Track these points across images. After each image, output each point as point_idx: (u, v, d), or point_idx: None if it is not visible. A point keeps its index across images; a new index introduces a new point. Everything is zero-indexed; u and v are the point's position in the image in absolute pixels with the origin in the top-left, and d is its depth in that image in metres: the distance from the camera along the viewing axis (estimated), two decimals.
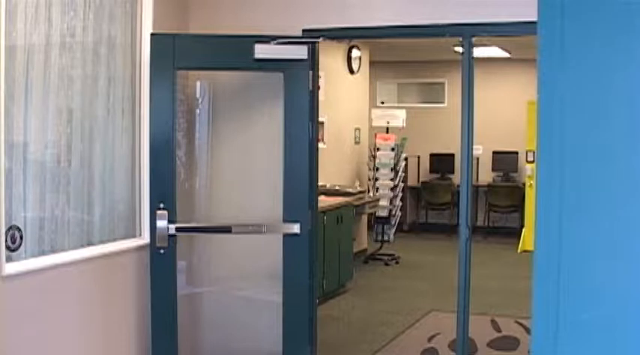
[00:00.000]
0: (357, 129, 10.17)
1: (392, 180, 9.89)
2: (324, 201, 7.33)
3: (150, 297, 4.50)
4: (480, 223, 11.62)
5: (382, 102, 12.43)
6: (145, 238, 4.56)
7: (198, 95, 5.10)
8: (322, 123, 8.16)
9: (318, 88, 4.92)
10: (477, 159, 11.29)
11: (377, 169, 9.88)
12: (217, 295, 5.14)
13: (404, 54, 11.36)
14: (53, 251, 3.93)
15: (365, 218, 9.85)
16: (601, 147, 2.22)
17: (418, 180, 12.41)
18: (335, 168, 9.33)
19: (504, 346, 6.10)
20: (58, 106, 4.01)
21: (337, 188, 8.72)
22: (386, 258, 9.70)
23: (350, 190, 8.89)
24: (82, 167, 4.19)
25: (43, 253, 3.86)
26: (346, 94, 9.75)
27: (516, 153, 11.66)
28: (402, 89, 12.95)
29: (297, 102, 4.61)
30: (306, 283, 4.67)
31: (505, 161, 11.93)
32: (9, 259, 3.59)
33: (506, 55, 10.67)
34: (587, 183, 2.23)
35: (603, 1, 2.22)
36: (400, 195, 10.11)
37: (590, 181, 2.23)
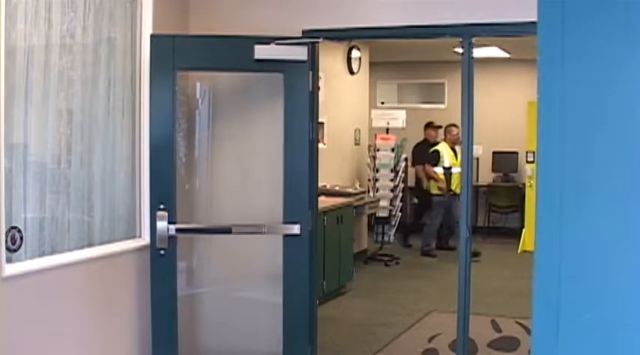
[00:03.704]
0: (357, 129, 10.17)
1: (392, 180, 9.89)
2: (324, 202, 7.33)
3: (150, 298, 4.50)
4: (480, 223, 11.62)
5: (382, 103, 12.43)
6: (145, 239, 4.56)
7: (198, 96, 5.10)
8: (322, 123, 8.16)
9: (318, 88, 4.92)
10: (477, 159, 11.30)
11: (377, 170, 9.88)
12: (217, 296, 5.13)
13: (404, 54, 11.36)
14: (53, 252, 3.93)
15: (365, 218, 9.85)
16: (601, 148, 2.22)
17: None
18: (335, 168, 9.33)
19: (505, 346, 6.10)
20: (58, 107, 4.02)
21: (337, 188, 8.72)
22: (386, 258, 9.70)
23: (350, 191, 8.89)
24: (82, 168, 4.19)
25: (43, 254, 3.86)
26: (346, 95, 9.75)
27: (516, 153, 11.66)
28: (402, 89, 12.95)
29: (297, 102, 4.61)
30: (306, 284, 4.67)
31: (505, 161, 11.93)
32: (9, 260, 3.59)
33: (506, 55, 10.67)
34: (587, 183, 2.23)
35: (603, 1, 2.22)
36: (400, 195, 10.11)
37: (590, 181, 2.23)
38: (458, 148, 9.67)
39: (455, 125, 9.84)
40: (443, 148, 10.19)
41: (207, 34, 4.72)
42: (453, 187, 9.93)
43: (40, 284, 3.80)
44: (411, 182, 11.30)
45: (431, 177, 10.13)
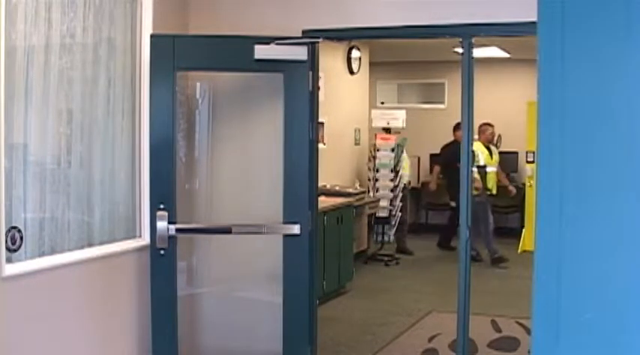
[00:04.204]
0: (357, 129, 10.17)
1: (392, 180, 9.89)
2: (324, 202, 7.33)
3: (150, 298, 4.50)
4: None
5: (382, 103, 12.43)
6: (145, 239, 4.56)
7: (198, 96, 5.10)
8: (322, 123, 8.15)
9: (318, 88, 4.92)
10: None
11: (377, 170, 9.88)
12: (217, 296, 5.13)
13: (404, 54, 11.36)
14: (53, 252, 3.93)
15: (365, 218, 9.84)
16: (601, 148, 2.22)
17: (418, 181, 12.40)
18: (335, 168, 9.32)
19: (505, 346, 6.09)
20: (58, 107, 4.02)
21: (337, 188, 8.72)
22: (386, 258, 9.69)
23: (350, 191, 8.89)
24: (82, 168, 4.19)
25: (43, 254, 3.86)
26: (346, 95, 9.75)
27: (516, 153, 11.65)
28: (401, 89, 12.94)
29: (297, 102, 4.61)
30: (306, 284, 4.67)
31: (505, 161, 11.91)
32: (9, 260, 3.59)
33: (506, 55, 10.67)
34: (587, 183, 2.23)
35: (603, 1, 2.22)
36: (400, 195, 10.11)
37: (590, 182, 2.23)
38: (493, 147, 9.81)
39: (489, 124, 9.70)
40: (477, 148, 9.94)
41: (207, 34, 4.72)
42: (489, 186, 9.77)
43: (40, 284, 3.80)
44: (412, 182, 11.28)
45: None
